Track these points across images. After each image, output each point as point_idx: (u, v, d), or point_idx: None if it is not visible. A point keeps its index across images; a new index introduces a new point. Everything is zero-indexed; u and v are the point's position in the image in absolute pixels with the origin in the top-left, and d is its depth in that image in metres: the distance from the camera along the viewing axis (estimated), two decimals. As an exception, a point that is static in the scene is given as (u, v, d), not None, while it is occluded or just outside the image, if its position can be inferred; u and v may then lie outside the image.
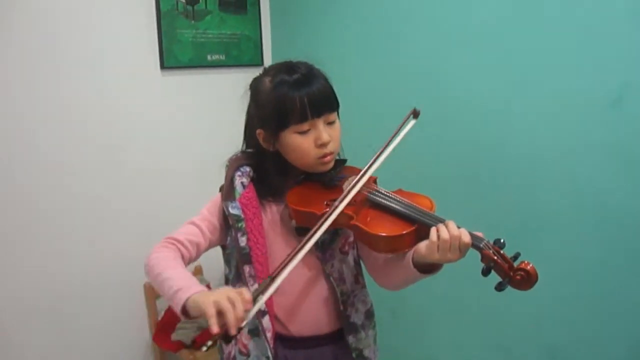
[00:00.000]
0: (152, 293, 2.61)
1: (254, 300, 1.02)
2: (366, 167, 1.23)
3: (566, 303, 2.09)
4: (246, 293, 1.00)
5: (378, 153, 1.26)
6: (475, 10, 2.17)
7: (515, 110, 2.12)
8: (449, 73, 2.24)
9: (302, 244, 1.10)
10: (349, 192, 1.17)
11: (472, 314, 2.37)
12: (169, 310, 2.56)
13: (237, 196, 1.25)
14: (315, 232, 1.11)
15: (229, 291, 1.00)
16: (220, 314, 0.96)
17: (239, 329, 0.97)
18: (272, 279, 1.06)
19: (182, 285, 1.08)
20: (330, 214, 1.13)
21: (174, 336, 2.46)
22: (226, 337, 0.97)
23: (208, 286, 2.71)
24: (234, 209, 1.24)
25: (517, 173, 2.15)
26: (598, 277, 1.99)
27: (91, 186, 2.41)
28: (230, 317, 0.95)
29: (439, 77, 2.31)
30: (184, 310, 1.06)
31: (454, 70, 2.25)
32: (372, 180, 1.28)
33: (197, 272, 2.77)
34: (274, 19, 3.03)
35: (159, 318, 2.58)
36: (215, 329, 0.94)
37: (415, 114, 1.35)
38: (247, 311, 0.99)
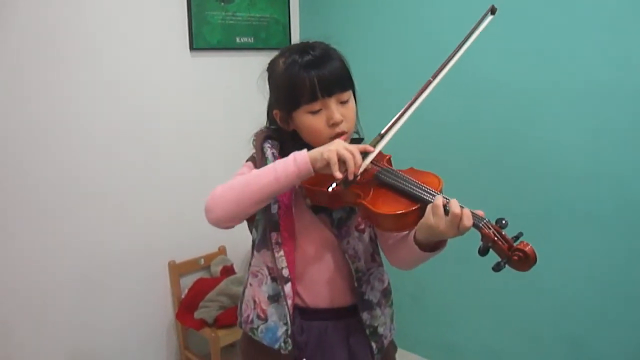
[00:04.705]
0: (176, 271, 2.65)
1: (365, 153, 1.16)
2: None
3: (588, 292, 2.06)
4: (358, 146, 1.13)
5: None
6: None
7: (542, 98, 2.09)
8: (476, 57, 2.22)
9: (411, 100, 1.21)
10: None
11: (492, 300, 2.35)
12: (192, 289, 2.60)
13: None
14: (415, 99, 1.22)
15: (344, 143, 1.13)
16: (341, 161, 1.10)
17: (356, 175, 1.13)
18: (382, 136, 1.19)
19: (287, 157, 1.15)
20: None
21: (197, 314, 2.50)
22: (346, 181, 1.12)
23: (232, 267, 2.74)
24: None
25: (542, 162, 2.12)
26: (620, 268, 1.95)
27: (119, 165, 2.45)
28: (351, 164, 1.10)
29: (466, 61, 2.28)
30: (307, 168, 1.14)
31: (481, 56, 2.22)
32: (386, 159, 1.28)
33: (221, 252, 2.80)
34: (302, 2, 3.03)
35: (183, 296, 2.62)
36: (338, 174, 1.09)
37: (493, 10, 1.34)
38: (363, 159, 1.14)
